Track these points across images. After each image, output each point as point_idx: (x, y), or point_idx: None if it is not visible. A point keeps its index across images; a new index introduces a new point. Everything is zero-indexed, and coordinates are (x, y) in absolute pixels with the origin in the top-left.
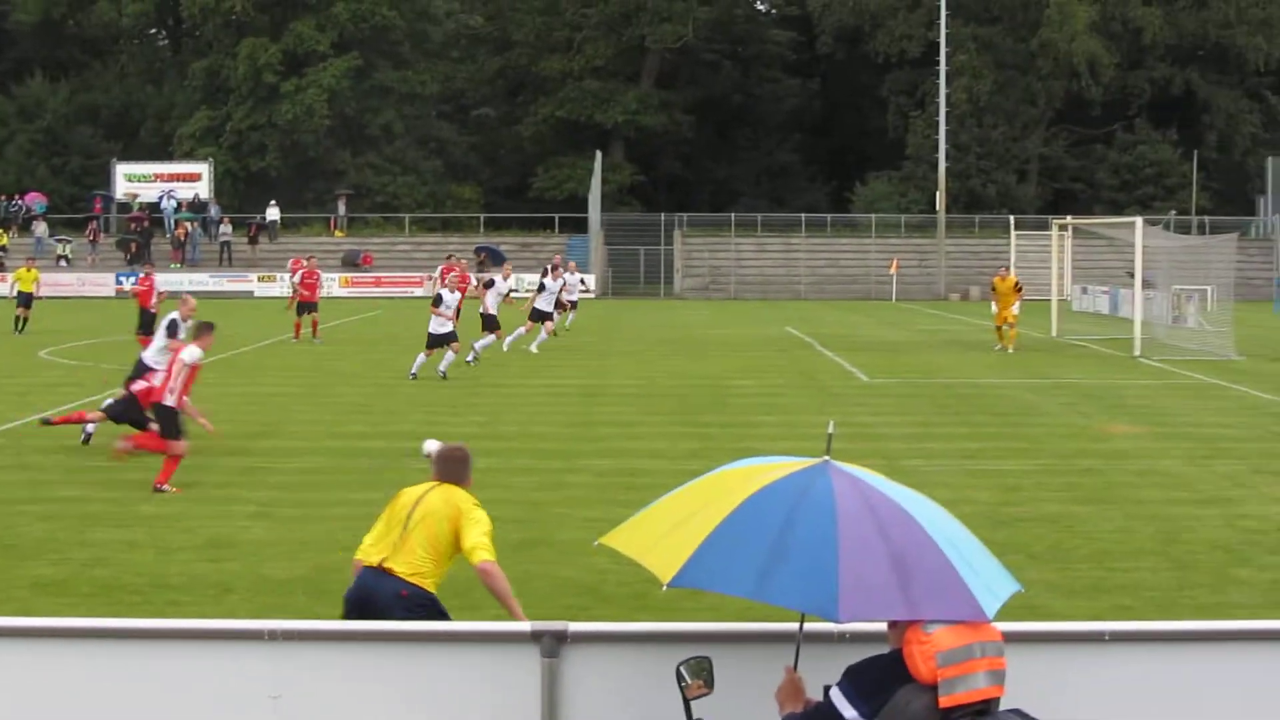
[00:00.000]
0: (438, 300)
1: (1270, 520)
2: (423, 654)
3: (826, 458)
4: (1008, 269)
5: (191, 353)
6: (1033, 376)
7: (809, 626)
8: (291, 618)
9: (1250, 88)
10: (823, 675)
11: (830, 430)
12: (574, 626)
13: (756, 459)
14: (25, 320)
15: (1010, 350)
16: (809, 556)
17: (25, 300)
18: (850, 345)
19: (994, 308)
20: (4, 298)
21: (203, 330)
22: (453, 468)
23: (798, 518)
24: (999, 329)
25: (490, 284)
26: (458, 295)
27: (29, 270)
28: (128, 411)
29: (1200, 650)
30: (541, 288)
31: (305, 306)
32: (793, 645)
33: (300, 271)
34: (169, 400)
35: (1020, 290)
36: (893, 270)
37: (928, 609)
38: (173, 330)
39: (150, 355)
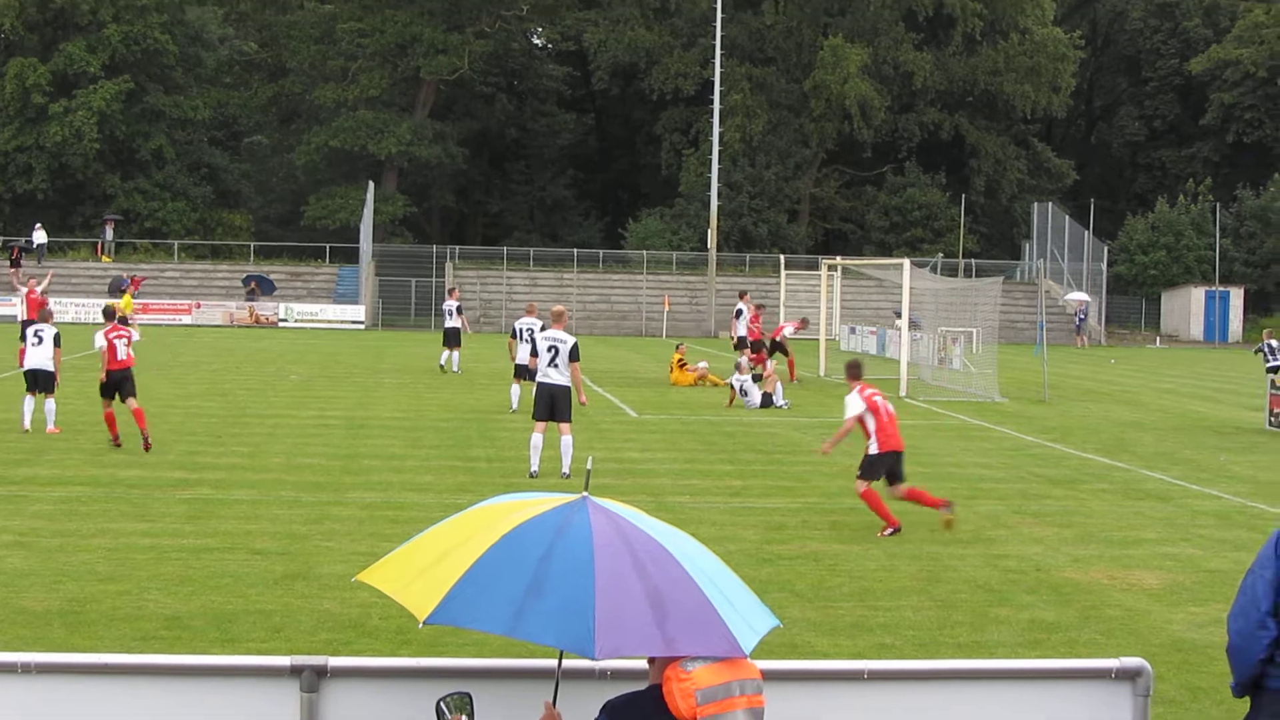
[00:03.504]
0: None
1: (1029, 560)
2: (182, 687)
3: (585, 493)
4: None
5: None
6: (799, 415)
7: (570, 663)
8: (48, 650)
9: (1017, 134)
10: (583, 711)
11: (589, 466)
12: (334, 661)
13: (517, 494)
14: None
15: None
16: (565, 593)
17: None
18: (620, 381)
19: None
20: None
21: None
22: None
23: (555, 554)
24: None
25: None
26: None
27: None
28: None
29: (959, 688)
30: None
31: None
32: (552, 679)
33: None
34: None
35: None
36: (664, 307)
37: (684, 645)
38: None
39: None
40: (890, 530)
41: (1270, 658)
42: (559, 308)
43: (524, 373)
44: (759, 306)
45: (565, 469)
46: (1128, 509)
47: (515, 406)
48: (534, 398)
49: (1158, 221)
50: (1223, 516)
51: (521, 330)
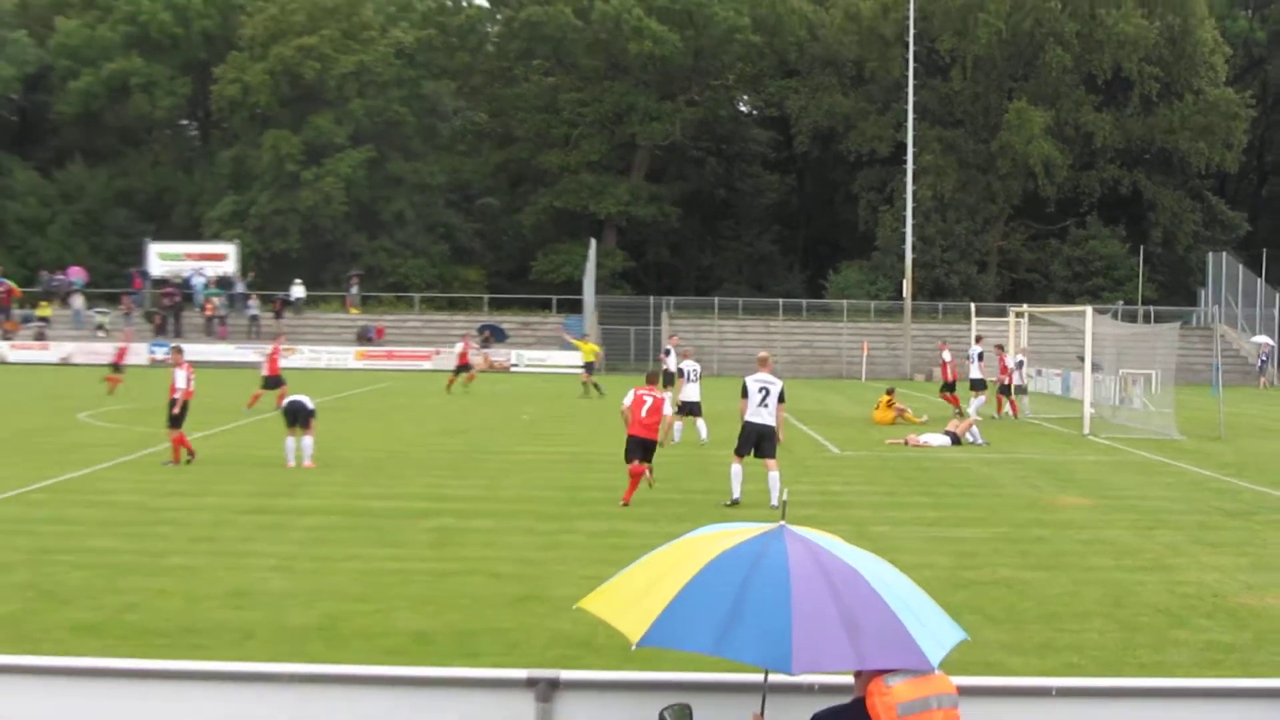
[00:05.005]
0: None
1: (1206, 587)
2: (429, 695)
3: (782, 523)
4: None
5: None
6: (990, 451)
7: (780, 678)
8: (307, 662)
9: (1192, 189)
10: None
11: (785, 498)
12: (565, 674)
13: (720, 525)
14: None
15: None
16: (765, 616)
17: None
18: (823, 420)
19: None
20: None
21: None
22: None
23: (754, 580)
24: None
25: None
26: None
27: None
28: None
29: (1142, 705)
30: None
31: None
32: (760, 693)
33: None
34: None
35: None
36: (863, 352)
37: (876, 660)
38: None
39: None
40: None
41: None
42: (764, 353)
43: (688, 409)
44: (998, 348)
45: (774, 500)
46: None
47: (676, 439)
48: (741, 434)
49: None
50: None
51: (687, 371)
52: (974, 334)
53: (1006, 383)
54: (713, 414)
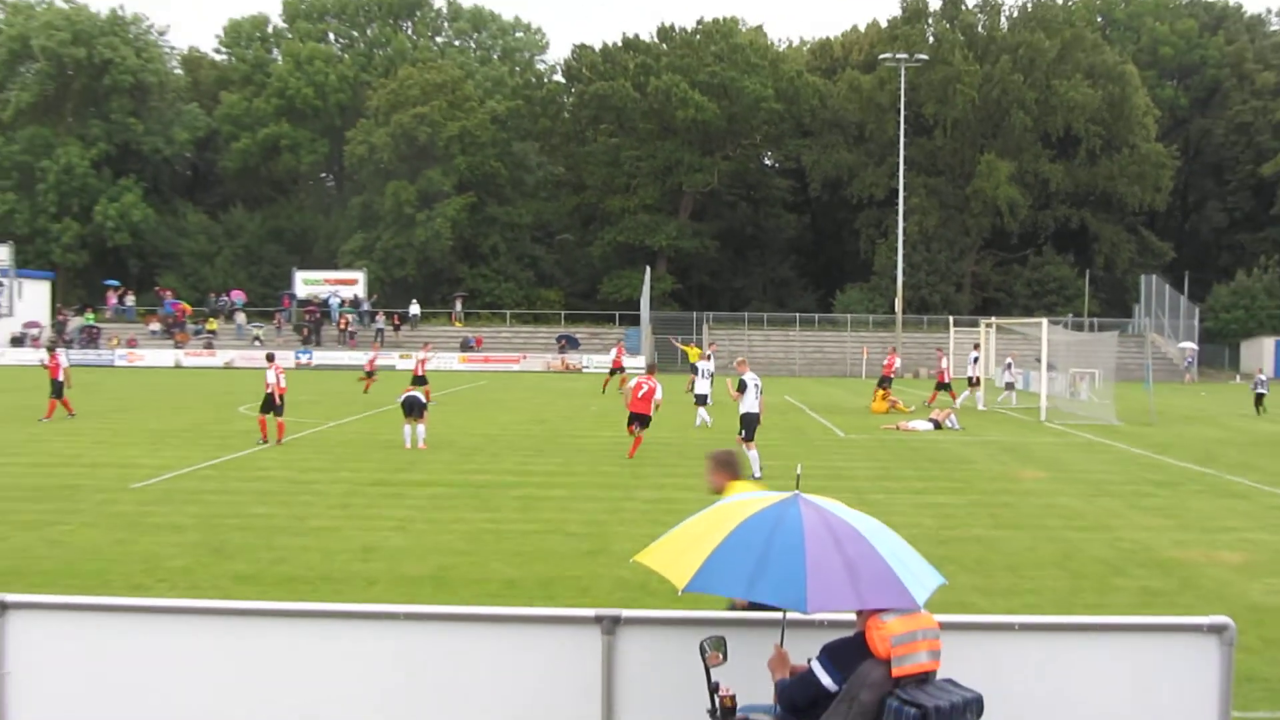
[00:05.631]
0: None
1: (1140, 543)
2: (515, 631)
3: (796, 491)
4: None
5: None
6: (964, 435)
7: (794, 616)
8: (421, 604)
9: (1128, 224)
10: (806, 650)
11: (799, 472)
12: (626, 613)
13: (746, 494)
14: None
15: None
16: (784, 567)
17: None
18: (831, 410)
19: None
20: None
21: None
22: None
23: (775, 538)
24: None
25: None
26: None
27: None
28: None
29: (1089, 637)
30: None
31: (419, 380)
32: (779, 628)
33: (418, 356)
34: None
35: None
36: (863, 355)
37: (873, 601)
38: None
39: None
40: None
41: None
42: (742, 358)
43: (702, 400)
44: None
45: (757, 472)
46: (1216, 505)
47: (708, 421)
48: (749, 424)
49: (1237, 288)
50: None
51: (701, 369)
52: (974, 342)
53: (944, 382)
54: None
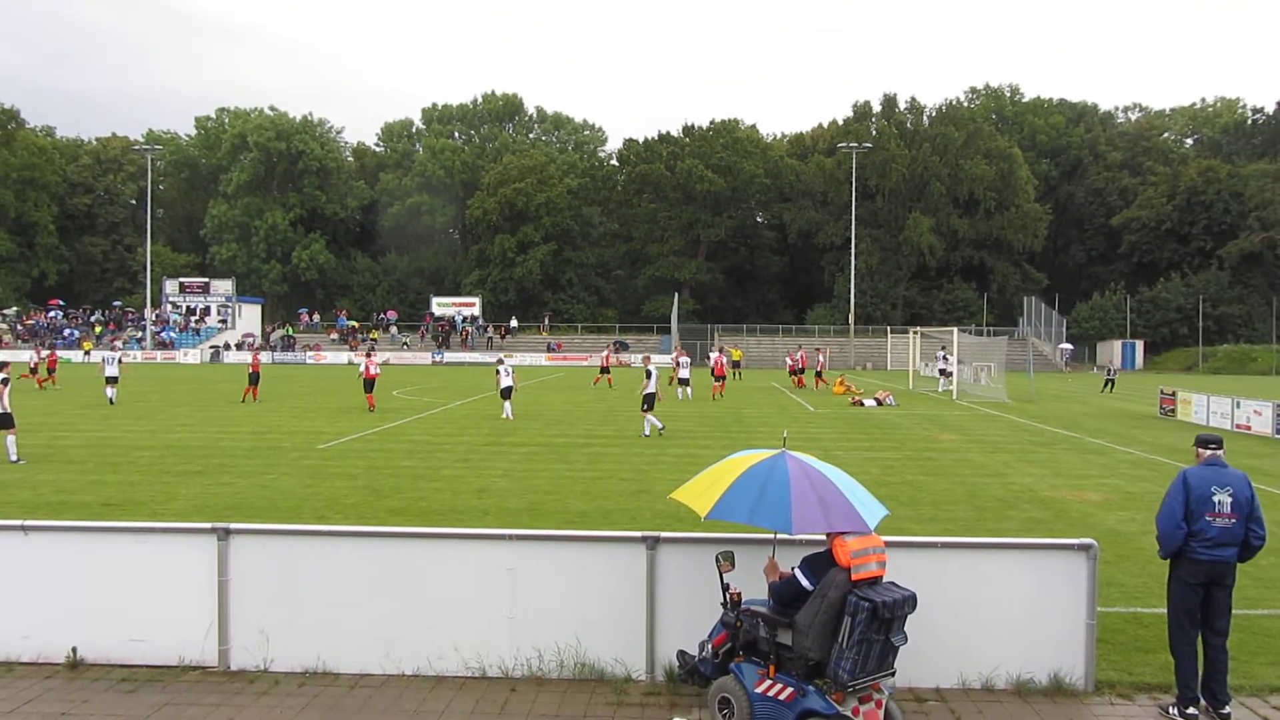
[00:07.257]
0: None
1: (1026, 486)
2: (586, 548)
3: (783, 449)
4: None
5: None
6: (899, 410)
7: (783, 536)
8: (521, 528)
9: (1015, 260)
10: (788, 560)
11: (785, 436)
12: (664, 534)
13: (747, 450)
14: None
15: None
16: (776, 501)
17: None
18: (803, 392)
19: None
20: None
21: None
22: None
23: (769, 482)
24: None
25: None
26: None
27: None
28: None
29: (989, 553)
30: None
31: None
32: (771, 545)
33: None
34: None
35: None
36: (826, 355)
37: (838, 525)
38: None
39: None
40: None
41: (1185, 542)
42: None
43: (685, 382)
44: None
45: (646, 431)
46: (1080, 459)
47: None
48: (645, 400)
49: (1094, 305)
50: (1136, 463)
51: (683, 362)
52: (941, 345)
53: (814, 369)
54: (744, 389)
